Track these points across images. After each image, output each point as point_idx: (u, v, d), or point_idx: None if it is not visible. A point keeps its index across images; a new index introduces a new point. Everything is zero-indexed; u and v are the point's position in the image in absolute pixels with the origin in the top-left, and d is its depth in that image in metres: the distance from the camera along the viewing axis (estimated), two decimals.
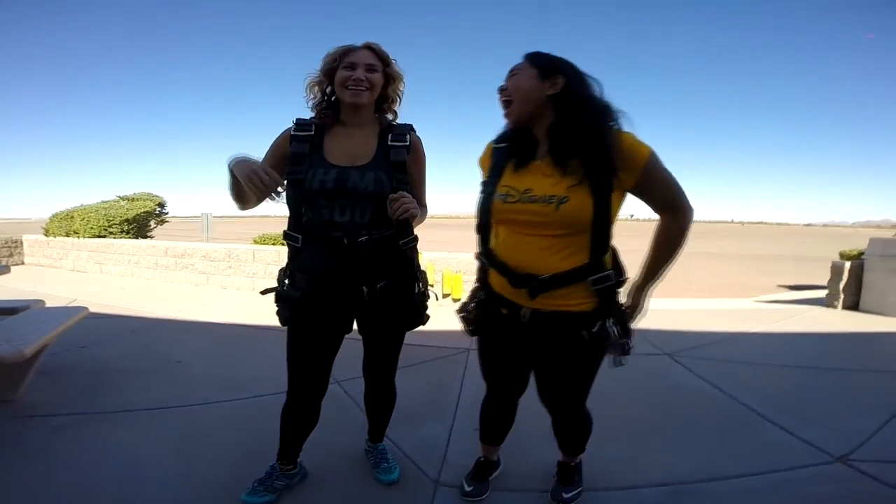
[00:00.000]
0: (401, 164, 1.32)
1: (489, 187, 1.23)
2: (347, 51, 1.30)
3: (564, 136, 1.11)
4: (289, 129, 1.35)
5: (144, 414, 2.14)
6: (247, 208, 1.35)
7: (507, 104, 1.18)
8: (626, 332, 1.20)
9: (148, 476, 1.65)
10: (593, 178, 1.07)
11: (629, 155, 1.09)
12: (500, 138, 1.28)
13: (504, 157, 1.24)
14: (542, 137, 1.17)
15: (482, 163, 1.33)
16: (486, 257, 1.27)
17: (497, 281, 1.25)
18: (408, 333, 1.48)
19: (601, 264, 1.15)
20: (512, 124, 1.20)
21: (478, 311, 1.34)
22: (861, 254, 5.22)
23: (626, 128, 1.12)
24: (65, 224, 7.53)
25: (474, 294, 1.36)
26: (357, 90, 1.28)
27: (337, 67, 1.30)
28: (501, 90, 1.18)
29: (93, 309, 3.11)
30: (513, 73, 1.18)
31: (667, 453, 1.86)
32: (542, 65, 1.15)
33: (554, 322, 1.18)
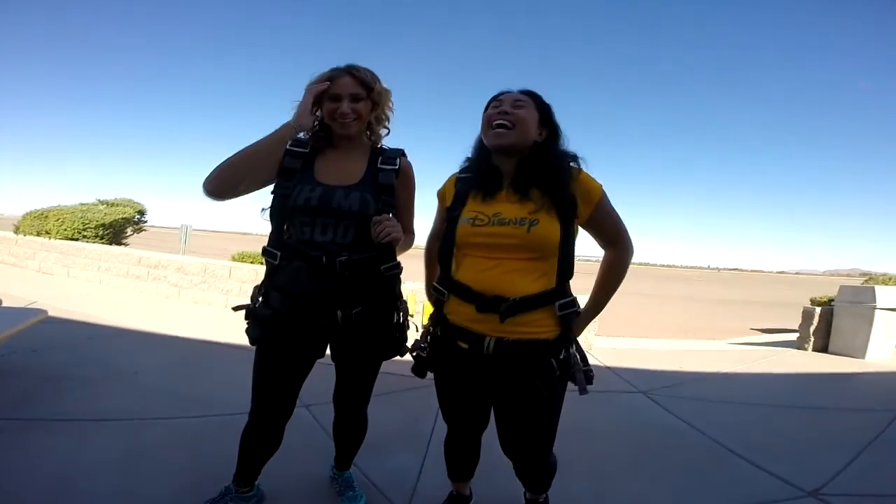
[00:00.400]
0: (388, 188, 1.31)
1: (454, 213, 1.23)
2: (329, 80, 1.26)
3: (529, 173, 1.18)
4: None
5: (86, 424, 2.00)
6: (234, 191, 1.24)
7: (503, 126, 1.17)
8: (585, 359, 1.21)
9: (82, 489, 1.53)
10: (557, 203, 1.14)
11: (584, 189, 1.18)
12: (465, 168, 1.30)
13: (468, 186, 1.25)
14: (509, 170, 1.21)
15: (445, 193, 1.33)
16: (447, 285, 1.24)
17: (457, 311, 1.22)
18: (384, 362, 1.42)
19: (566, 289, 1.18)
20: (499, 148, 1.20)
21: (433, 348, 1.28)
22: (831, 300, 5.43)
23: (581, 167, 1.22)
24: (37, 223, 7.22)
25: (427, 331, 1.31)
26: (344, 122, 1.27)
27: (322, 98, 1.28)
28: (505, 113, 1.17)
29: (52, 313, 2.95)
30: (519, 104, 1.18)
31: (640, 488, 1.84)
32: (543, 112, 1.21)
33: (519, 351, 1.14)
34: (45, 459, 1.69)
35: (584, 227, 1.22)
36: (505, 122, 1.17)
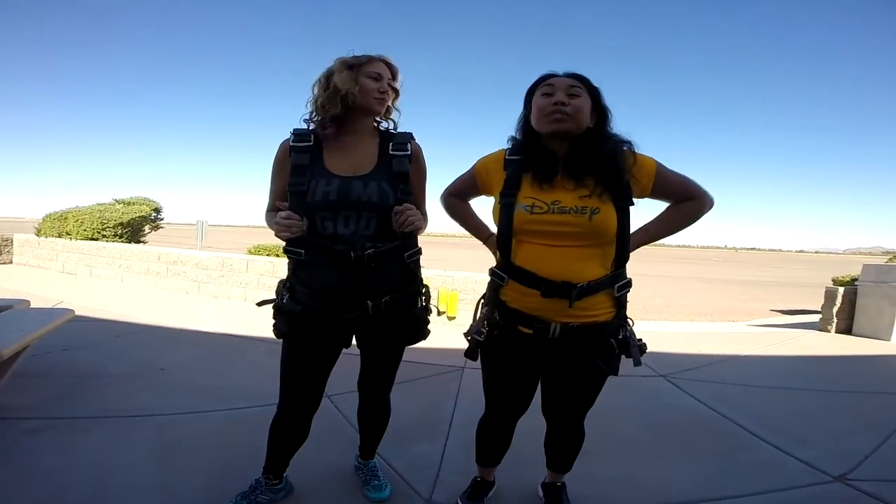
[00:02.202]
0: (404, 175, 1.30)
1: (509, 199, 1.21)
2: (370, 60, 1.31)
3: (583, 159, 1.18)
4: (286, 140, 1.32)
5: (122, 421, 2.06)
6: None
7: (563, 113, 1.16)
8: (634, 333, 1.28)
9: (121, 484, 1.58)
10: (613, 192, 1.16)
11: (639, 168, 1.20)
12: (515, 150, 1.27)
13: (520, 170, 1.23)
14: (562, 153, 1.21)
15: (489, 170, 1.31)
16: (509, 271, 1.22)
17: (518, 298, 1.21)
18: (403, 350, 1.44)
19: (624, 272, 1.23)
20: (556, 134, 1.19)
21: (492, 332, 1.28)
22: (854, 280, 5.29)
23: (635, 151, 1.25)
24: (57, 225, 7.42)
25: (485, 316, 1.30)
26: (381, 100, 1.31)
27: (358, 71, 1.29)
28: (561, 104, 1.17)
29: (79, 312, 3.04)
30: (574, 92, 1.18)
31: (663, 473, 1.83)
32: (594, 97, 1.21)
33: (584, 334, 1.19)
34: (85, 456, 1.75)
35: (654, 198, 1.26)
36: (563, 113, 1.16)
